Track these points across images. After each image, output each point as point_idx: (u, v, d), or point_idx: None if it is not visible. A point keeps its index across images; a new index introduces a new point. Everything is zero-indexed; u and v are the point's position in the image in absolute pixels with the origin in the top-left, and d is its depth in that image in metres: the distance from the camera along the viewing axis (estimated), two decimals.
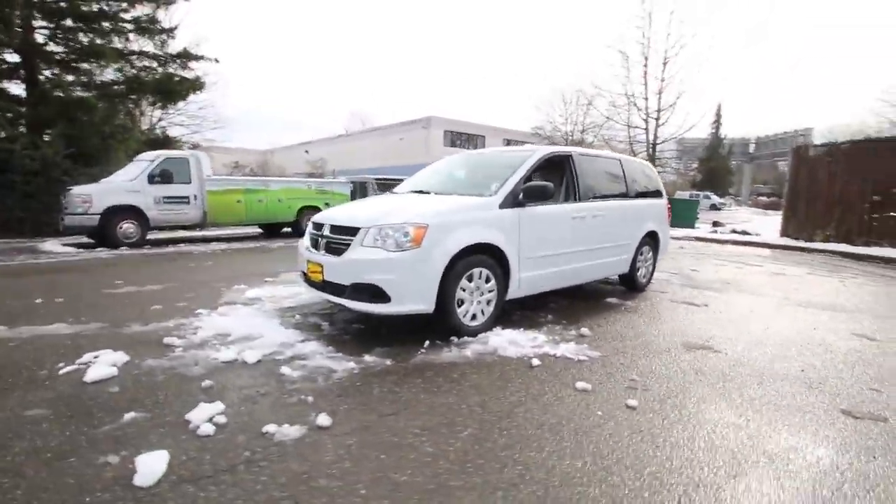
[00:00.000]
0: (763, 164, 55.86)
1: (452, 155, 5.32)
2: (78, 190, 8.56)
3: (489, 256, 3.58)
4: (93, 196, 8.49)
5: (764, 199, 50.75)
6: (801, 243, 11.72)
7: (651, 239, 5.56)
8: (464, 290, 3.45)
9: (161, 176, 9.23)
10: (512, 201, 3.77)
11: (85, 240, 9.54)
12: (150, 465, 1.77)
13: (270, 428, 2.11)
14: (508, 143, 34.97)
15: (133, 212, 8.94)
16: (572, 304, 4.74)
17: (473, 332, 3.50)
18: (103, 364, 2.80)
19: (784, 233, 12.89)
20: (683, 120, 18.19)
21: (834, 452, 2.06)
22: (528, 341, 3.43)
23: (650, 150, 18.08)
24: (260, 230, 12.82)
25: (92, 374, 2.66)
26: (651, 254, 5.66)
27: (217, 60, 15.14)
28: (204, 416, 2.19)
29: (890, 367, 3.16)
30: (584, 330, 3.78)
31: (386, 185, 22.44)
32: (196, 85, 14.52)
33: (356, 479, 1.77)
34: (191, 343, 3.28)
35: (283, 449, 1.98)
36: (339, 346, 3.24)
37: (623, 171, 5.21)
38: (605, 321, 4.13)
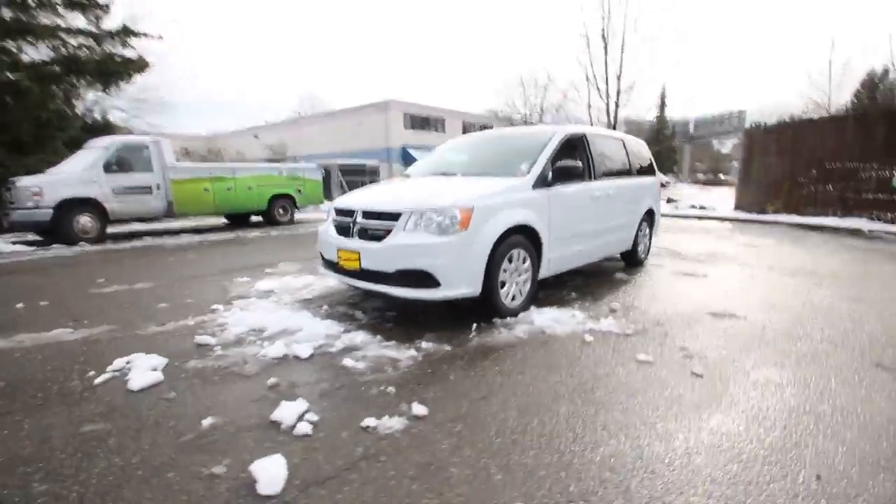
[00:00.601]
0: (699, 144, 59.28)
1: (465, 135, 5.23)
2: (25, 182, 7.67)
3: (525, 237, 3.58)
4: (43, 188, 7.64)
5: (702, 176, 54.30)
6: (755, 216, 12.65)
7: (648, 216, 5.77)
8: (504, 272, 3.43)
9: (119, 164, 8.46)
10: (542, 181, 3.77)
11: (32, 236, 8.61)
12: (270, 472, 1.65)
13: (370, 422, 2.02)
14: (468, 126, 34.94)
15: (90, 204, 8.14)
16: (587, 281, 4.85)
17: (514, 313, 3.51)
18: (143, 369, 2.56)
19: (738, 206, 13.84)
20: (640, 101, 18.96)
21: (889, 404, 2.25)
22: (569, 318, 3.48)
23: (657, 132, 18.72)
24: (225, 221, 12.12)
25: (136, 382, 2.42)
26: (648, 230, 5.89)
27: (161, 37, 13.95)
28: (292, 415, 2.05)
29: (892, 325, 3.49)
30: (615, 305, 3.89)
31: (351, 172, 21.83)
32: (140, 65, 13.31)
33: (485, 466, 1.74)
34: (227, 341, 3.07)
35: (394, 442, 1.90)
36: (387, 335, 3.13)
37: (626, 150, 5.34)
38: (627, 296, 4.26)
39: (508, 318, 3.45)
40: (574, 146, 4.38)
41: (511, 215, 3.42)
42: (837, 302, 4.09)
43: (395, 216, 3.27)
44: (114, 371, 2.59)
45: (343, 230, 3.60)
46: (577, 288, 4.52)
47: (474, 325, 3.31)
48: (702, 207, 14.49)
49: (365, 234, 3.41)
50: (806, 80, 43.95)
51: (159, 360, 2.67)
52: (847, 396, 2.30)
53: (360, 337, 3.07)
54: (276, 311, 3.71)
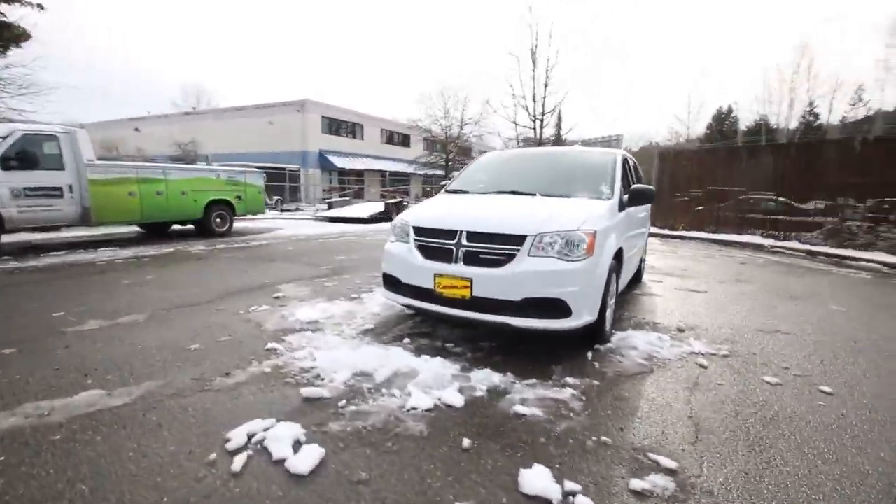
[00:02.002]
0: None
1: (505, 151, 5.08)
2: None
3: (616, 261, 3.57)
4: None
5: None
6: (667, 231, 14.41)
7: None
8: (609, 297, 3.38)
9: (19, 159, 6.66)
10: (621, 204, 3.81)
11: None
12: None
13: (637, 484, 1.80)
14: (387, 134, 34.45)
15: None
16: (619, 300, 5.01)
17: (609, 338, 3.48)
18: (283, 442, 1.98)
19: (652, 223, 15.63)
20: (564, 121, 20.44)
21: None
22: (657, 340, 3.55)
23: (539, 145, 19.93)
24: (139, 230, 10.26)
25: (300, 463, 1.87)
26: (645, 247, 6.32)
27: (42, 7, 11.44)
28: (554, 490, 1.74)
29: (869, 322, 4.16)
30: (675, 323, 4.07)
31: (268, 177, 20.03)
32: (17, 34, 10.76)
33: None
34: (341, 391, 2.54)
35: (688, 491, 1.71)
36: (514, 372, 2.86)
37: (637, 171, 5.67)
38: (671, 314, 4.48)
39: (608, 344, 3.40)
40: (625, 169, 4.51)
41: (616, 239, 3.40)
42: (828, 308, 4.77)
43: (518, 239, 3.02)
44: (240, 447, 1.97)
45: (439, 254, 3.23)
46: (618, 308, 4.63)
47: (589, 354, 3.19)
48: None
49: (476, 260, 3.09)
50: (671, 114, 51.96)
51: (296, 430, 2.09)
52: None
53: (489, 375, 2.76)
54: (357, 347, 3.19)
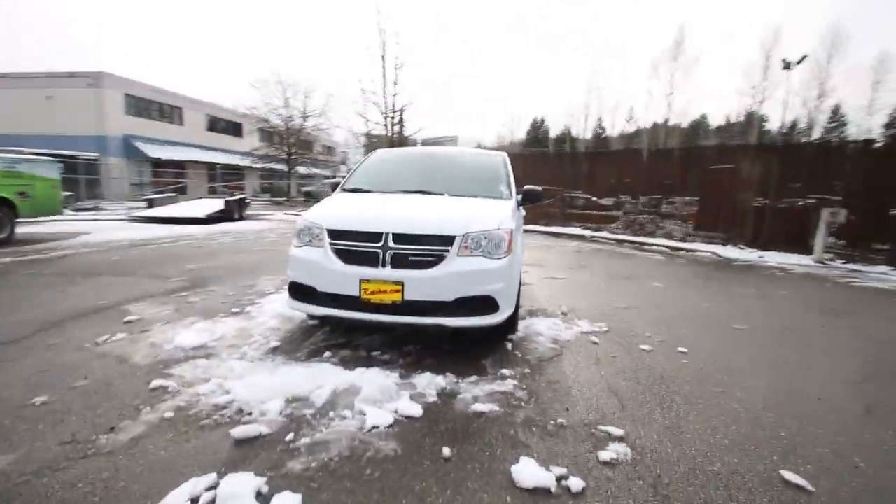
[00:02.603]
0: None
1: (395, 150, 4.94)
2: None
3: None
4: None
5: None
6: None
7: None
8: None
9: None
10: (517, 203, 4.14)
11: None
12: None
13: (607, 455, 2.02)
14: (214, 120, 30.33)
15: None
16: None
17: (517, 327, 3.79)
18: (245, 498, 1.65)
19: None
20: (414, 122, 20.96)
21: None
22: (553, 325, 4.00)
23: (387, 145, 20.00)
24: None
25: None
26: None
27: None
28: (548, 476, 1.84)
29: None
30: (563, 308, 4.62)
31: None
32: None
33: None
34: (281, 424, 2.21)
35: (641, 451, 1.99)
36: (452, 372, 2.88)
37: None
38: (550, 300, 5.08)
39: (518, 333, 3.70)
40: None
41: (521, 236, 3.68)
42: (680, 291, 6.03)
43: (447, 240, 3.02)
44: None
45: (362, 257, 3.03)
46: None
47: (508, 345, 3.42)
48: None
49: (405, 262, 2.99)
50: (497, 121, 58.14)
51: (247, 479, 1.74)
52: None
53: (432, 379, 2.74)
54: (274, 370, 2.79)
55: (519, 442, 2.13)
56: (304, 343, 3.33)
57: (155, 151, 24.14)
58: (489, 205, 3.69)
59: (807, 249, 10.41)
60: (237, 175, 30.40)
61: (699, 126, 54.61)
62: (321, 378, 2.65)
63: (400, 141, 21.29)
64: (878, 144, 12.83)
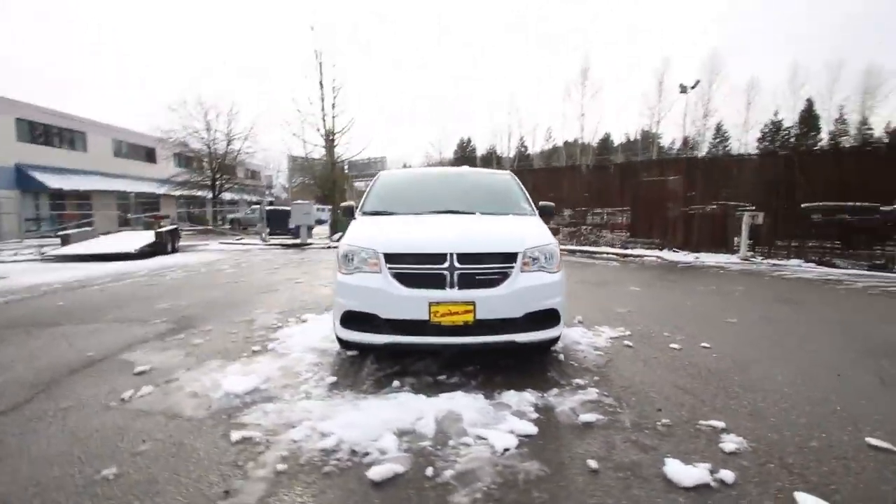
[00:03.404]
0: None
1: (403, 171, 4.87)
2: None
3: None
4: None
5: None
6: None
7: None
8: None
9: None
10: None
11: None
12: None
13: (728, 446, 2.17)
14: (121, 145, 27.53)
15: None
16: None
17: None
18: None
19: None
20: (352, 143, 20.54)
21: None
22: (584, 334, 4.16)
23: (332, 168, 19.50)
24: None
25: None
26: None
27: None
28: (700, 473, 1.93)
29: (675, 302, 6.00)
30: (578, 317, 4.81)
31: None
32: None
33: None
34: (409, 460, 2.08)
35: (739, 441, 2.17)
36: (531, 387, 2.91)
37: None
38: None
39: (559, 344, 3.81)
40: None
41: None
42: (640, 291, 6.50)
43: (510, 257, 3.07)
44: None
45: (426, 280, 2.97)
46: None
47: (561, 356, 3.51)
48: None
49: (472, 282, 2.98)
50: (425, 141, 59.28)
51: None
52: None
53: (519, 397, 2.74)
54: (355, 405, 2.62)
55: (647, 445, 2.22)
56: (359, 375, 3.15)
57: (55, 181, 21.29)
58: (526, 221, 3.81)
59: (729, 249, 11.83)
60: (153, 204, 27.73)
61: (605, 144, 59.92)
62: (412, 408, 2.55)
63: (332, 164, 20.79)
64: (783, 153, 15.06)
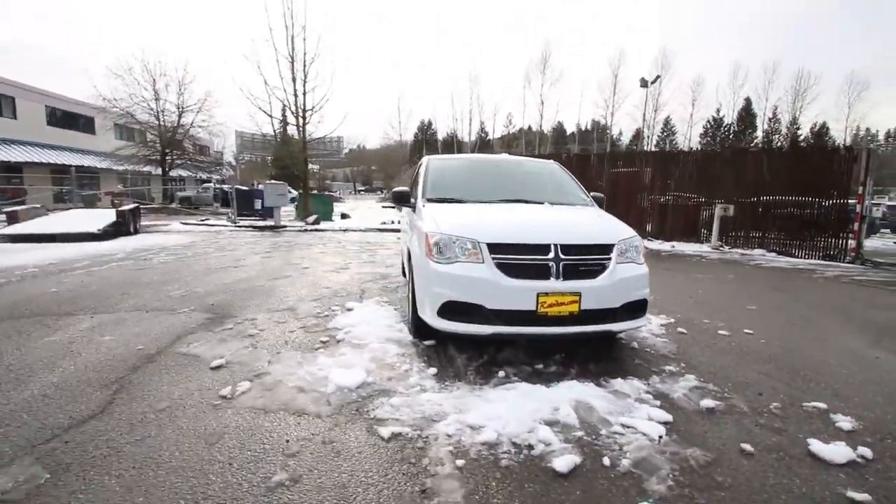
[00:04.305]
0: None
1: (452, 157, 4.79)
2: None
3: None
4: None
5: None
6: None
7: None
8: None
9: None
10: None
11: None
12: None
13: (844, 422, 2.39)
14: (54, 112, 24.74)
15: None
16: None
17: None
18: None
19: None
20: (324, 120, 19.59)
21: None
22: None
23: (300, 147, 18.53)
24: None
25: None
26: None
27: None
28: (842, 450, 2.12)
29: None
30: None
31: None
32: None
33: None
34: (581, 451, 2.11)
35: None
36: (634, 376, 3.02)
37: None
38: None
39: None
40: None
41: None
42: None
43: (608, 248, 3.14)
44: None
45: (531, 271, 2.98)
46: None
47: (634, 344, 3.66)
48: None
49: (576, 273, 3.02)
50: (383, 121, 58.01)
51: None
52: None
53: (629, 385, 2.85)
54: (482, 398, 2.60)
55: (777, 428, 2.39)
56: (455, 366, 3.12)
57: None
58: (597, 212, 3.91)
59: (699, 238, 12.69)
60: (92, 179, 25.29)
61: (560, 132, 61.46)
62: (541, 398, 2.58)
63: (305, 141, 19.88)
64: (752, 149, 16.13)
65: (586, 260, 3.08)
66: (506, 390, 2.70)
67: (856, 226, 10.13)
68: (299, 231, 14.54)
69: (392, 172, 58.25)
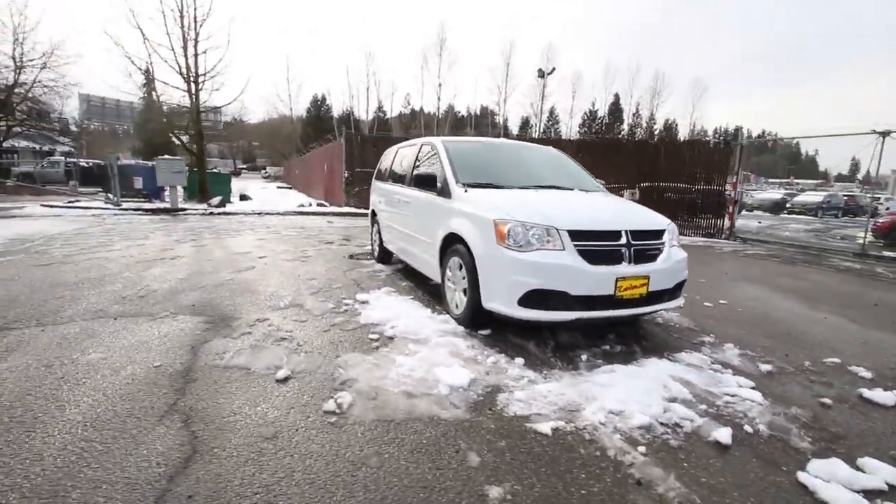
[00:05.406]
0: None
1: (471, 140, 4.59)
2: None
3: None
4: None
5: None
6: (363, 210, 15.81)
7: None
8: None
9: None
10: None
11: None
12: None
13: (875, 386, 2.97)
14: None
15: None
16: None
17: None
18: None
19: (348, 204, 16.56)
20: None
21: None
22: None
23: (195, 117, 15.97)
24: None
25: None
26: None
27: None
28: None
29: None
30: None
31: None
32: None
33: None
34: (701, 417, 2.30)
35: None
36: (691, 350, 3.33)
37: None
38: None
39: None
40: None
41: None
42: None
43: (661, 233, 3.37)
44: None
45: (607, 257, 3.09)
46: None
47: (658, 319, 4.02)
48: (321, 205, 16.13)
49: (643, 257, 3.21)
50: (270, 93, 53.14)
51: (838, 466, 1.94)
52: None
53: (697, 358, 3.14)
54: (598, 385, 2.65)
55: (825, 382, 2.87)
56: (536, 355, 3.11)
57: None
58: (624, 199, 4.14)
59: None
60: None
61: (457, 116, 62.88)
62: (649, 378, 2.72)
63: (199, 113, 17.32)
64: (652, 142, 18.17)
65: (650, 244, 3.29)
66: (606, 374, 2.79)
67: (731, 209, 12.27)
68: (205, 215, 12.82)
69: (283, 150, 53.98)
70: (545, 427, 2.16)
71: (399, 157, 5.68)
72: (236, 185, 28.64)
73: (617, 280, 3.04)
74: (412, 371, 2.70)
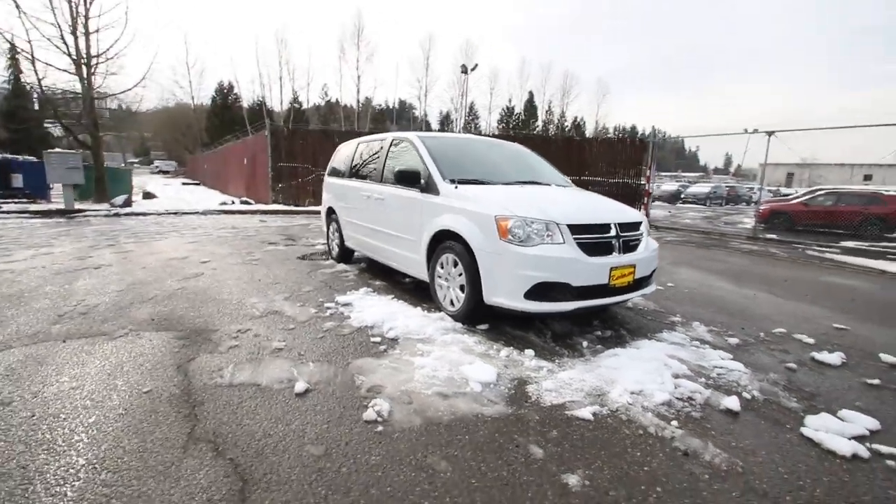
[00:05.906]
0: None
1: (446, 135, 4.49)
2: None
3: None
4: None
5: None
6: (293, 207, 15.02)
7: None
8: None
9: None
10: None
11: None
12: None
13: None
14: None
15: None
16: None
17: None
18: None
19: (276, 201, 15.55)
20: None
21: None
22: None
23: (87, 106, 13.75)
24: None
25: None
26: None
27: None
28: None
29: None
30: None
31: None
32: None
33: None
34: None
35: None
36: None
37: None
38: None
39: None
40: None
41: None
42: None
43: (638, 225, 3.65)
44: None
45: (600, 248, 3.30)
46: None
47: (628, 303, 4.36)
48: (246, 202, 15.00)
49: (628, 247, 3.46)
50: (168, 78, 47.92)
51: (858, 417, 2.28)
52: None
53: (681, 337, 3.48)
54: (622, 370, 2.82)
55: (783, 349, 3.33)
56: (542, 346, 3.23)
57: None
58: (596, 194, 4.40)
59: None
60: None
61: (377, 109, 61.92)
62: (650, 358, 2.95)
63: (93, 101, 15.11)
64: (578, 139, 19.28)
65: (633, 235, 3.56)
66: (612, 357, 2.99)
67: (646, 199, 13.58)
68: (111, 216, 11.33)
69: (185, 143, 49.17)
70: (585, 413, 2.28)
71: (360, 152, 5.49)
72: (133, 181, 25.67)
73: (611, 270, 3.26)
74: (435, 371, 2.67)
